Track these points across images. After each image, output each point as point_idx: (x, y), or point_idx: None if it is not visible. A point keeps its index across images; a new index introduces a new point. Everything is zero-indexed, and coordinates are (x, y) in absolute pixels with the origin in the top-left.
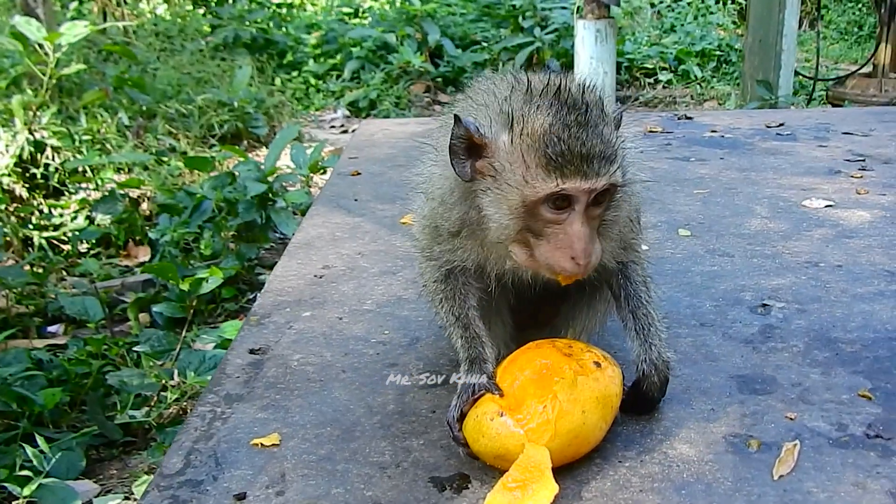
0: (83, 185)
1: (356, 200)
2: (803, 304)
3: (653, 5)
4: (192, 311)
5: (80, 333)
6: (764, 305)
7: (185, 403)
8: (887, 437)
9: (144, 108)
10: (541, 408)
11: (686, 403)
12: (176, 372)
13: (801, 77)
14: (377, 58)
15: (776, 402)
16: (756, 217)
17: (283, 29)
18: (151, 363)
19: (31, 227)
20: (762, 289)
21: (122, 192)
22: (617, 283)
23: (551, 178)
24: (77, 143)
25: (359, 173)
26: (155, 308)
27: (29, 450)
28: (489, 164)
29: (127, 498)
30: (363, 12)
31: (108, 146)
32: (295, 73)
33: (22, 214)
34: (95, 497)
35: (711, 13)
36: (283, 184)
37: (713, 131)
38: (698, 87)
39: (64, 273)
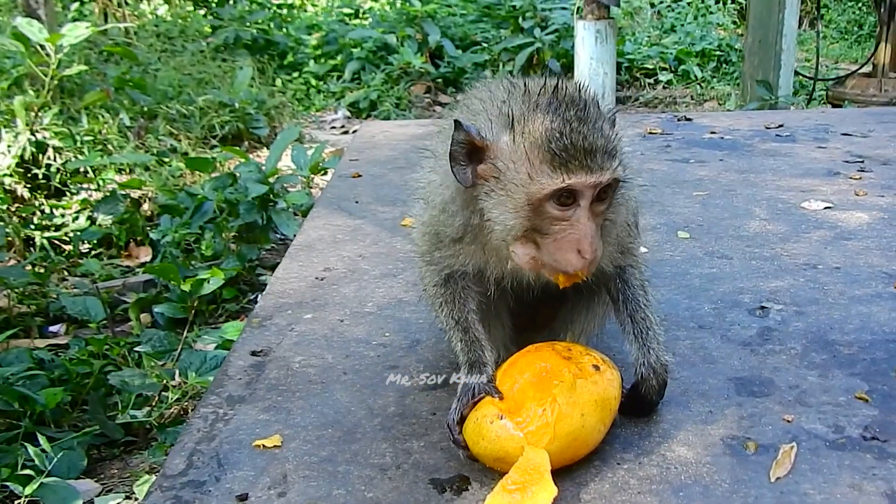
0: (84, 185)
1: (357, 203)
2: (801, 307)
3: (653, 5)
4: (193, 311)
5: (82, 333)
6: (762, 308)
7: (186, 404)
8: (883, 438)
9: (145, 108)
10: (540, 411)
11: (684, 406)
12: (177, 372)
13: (801, 77)
14: (378, 59)
15: (774, 404)
16: (755, 219)
17: (284, 30)
18: (152, 363)
19: (32, 227)
20: (761, 291)
21: (123, 192)
22: (615, 286)
23: (557, 173)
24: (78, 144)
25: (359, 175)
26: (156, 308)
27: (31, 449)
28: (492, 166)
29: (128, 497)
30: (363, 13)
31: (109, 147)
32: (296, 74)
33: (24, 215)
34: (97, 496)
35: (711, 13)
36: (284, 185)
37: (712, 133)
38: (698, 87)
39: (65, 273)
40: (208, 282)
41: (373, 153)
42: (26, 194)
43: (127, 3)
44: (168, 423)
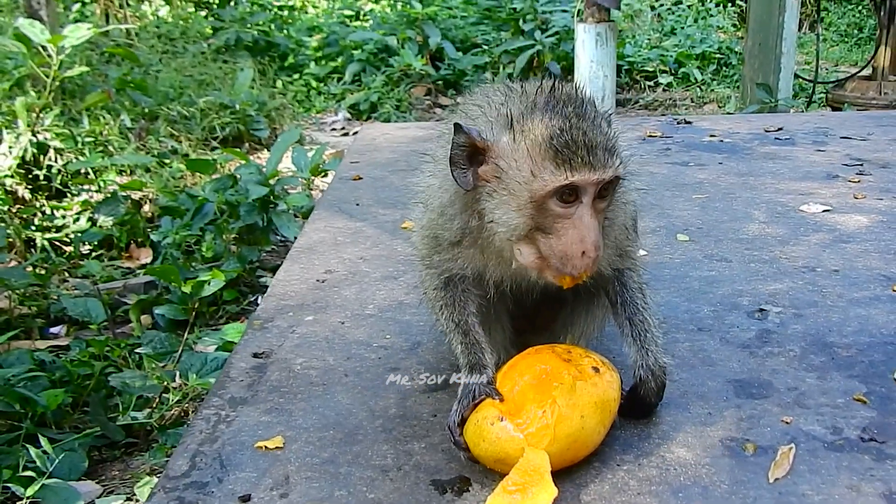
0: (85, 186)
1: (358, 205)
2: (800, 309)
3: (653, 8)
4: (193, 313)
5: (83, 335)
6: (761, 310)
7: (186, 405)
8: (881, 440)
9: (147, 110)
10: (540, 412)
11: (683, 408)
12: (178, 374)
13: (800, 80)
14: (378, 60)
15: (772, 406)
16: (754, 222)
17: (285, 31)
18: (153, 365)
19: (33, 228)
20: (760, 294)
21: (124, 194)
22: (613, 289)
23: (560, 170)
24: (79, 145)
25: (360, 178)
26: (157, 310)
27: (32, 450)
28: (494, 166)
29: (129, 499)
30: (364, 15)
31: (110, 148)
32: (296, 76)
33: (24, 216)
34: (98, 498)
35: (711, 16)
36: (285, 187)
37: (712, 136)
38: (698, 89)
39: (66, 274)
40: (209, 283)
41: (373, 156)
42: (27, 195)
43: (128, 5)
44: (169, 424)
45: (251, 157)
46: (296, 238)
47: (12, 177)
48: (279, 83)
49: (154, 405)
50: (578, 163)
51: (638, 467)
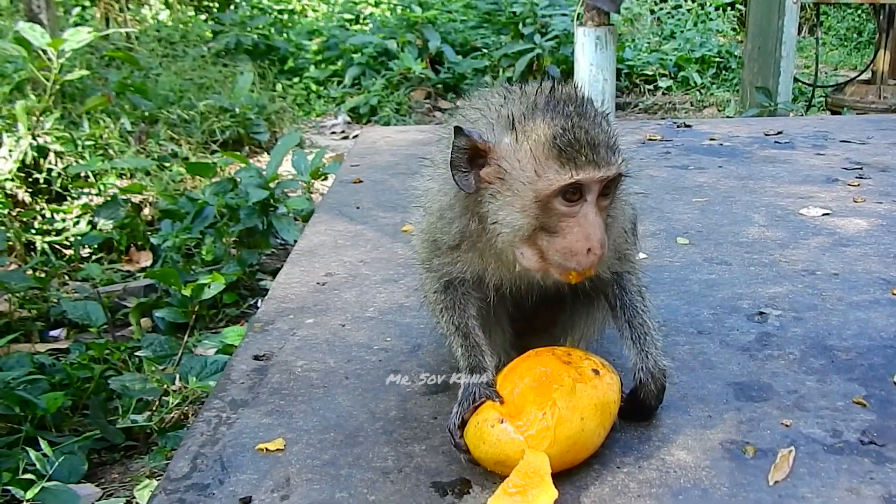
0: (85, 190)
1: (358, 208)
2: (800, 312)
3: (653, 12)
4: (193, 316)
5: (82, 338)
6: (761, 313)
7: (186, 408)
8: (881, 443)
9: (147, 113)
10: (540, 415)
11: (683, 410)
12: (177, 377)
13: (800, 83)
14: (378, 64)
15: (772, 408)
16: (754, 225)
17: (285, 35)
18: (153, 368)
19: (33, 231)
20: (759, 297)
21: (124, 197)
22: (612, 292)
23: (565, 169)
24: (79, 149)
25: (360, 181)
26: (157, 313)
27: (32, 453)
28: (497, 167)
29: (129, 502)
30: (364, 19)
31: (110, 151)
32: (296, 79)
33: (24, 219)
34: (97, 501)
35: (711, 20)
36: (285, 190)
37: (712, 139)
38: (698, 93)
39: (66, 278)
40: (209, 286)
41: (373, 159)
42: (27, 199)
43: (128, 9)
44: (168, 427)
45: (251, 161)
46: (296, 241)
47: (12, 180)
48: (279, 87)
49: (154, 408)
50: (583, 161)
51: (638, 470)
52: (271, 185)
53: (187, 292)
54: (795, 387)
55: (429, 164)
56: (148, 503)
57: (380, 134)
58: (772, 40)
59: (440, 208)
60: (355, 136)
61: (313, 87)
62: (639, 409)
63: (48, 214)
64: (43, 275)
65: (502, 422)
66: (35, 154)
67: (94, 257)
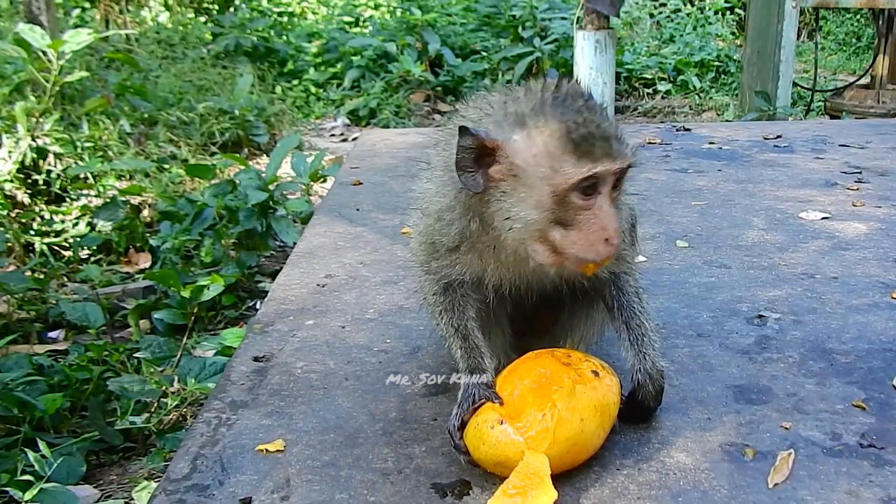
0: (85, 191)
1: (358, 210)
2: (799, 316)
3: (652, 16)
4: (192, 317)
5: (81, 339)
6: (760, 316)
7: (185, 410)
8: (880, 446)
9: (146, 115)
10: (540, 416)
11: (683, 412)
12: (176, 378)
13: (799, 88)
14: (377, 67)
15: (771, 411)
16: (753, 229)
17: (284, 37)
18: (152, 369)
19: (32, 232)
20: (759, 300)
21: (123, 198)
22: (610, 294)
23: (582, 162)
24: (79, 150)
25: (360, 183)
26: (156, 315)
27: (30, 454)
28: (508, 165)
29: (127, 503)
30: (364, 21)
31: (109, 153)
32: (295, 82)
33: (24, 220)
34: (96, 502)
35: (710, 24)
36: (284, 192)
37: (711, 143)
38: (697, 97)
39: (65, 279)
40: (208, 288)
41: (373, 161)
42: (26, 200)
43: (128, 10)
44: (167, 429)
45: (250, 163)
46: (295, 243)
47: (12, 181)
48: (278, 89)
49: (152, 410)
50: (599, 154)
51: (638, 472)
52: (270, 187)
53: (186, 294)
54: (795, 390)
55: (426, 166)
56: (149, 503)
57: (379, 136)
58: (771, 44)
59: (438, 210)
60: (354, 139)
61: (313, 89)
62: (637, 411)
63: (47, 216)
64: (42, 276)
65: (502, 423)
66: (34, 155)
67: (92, 259)
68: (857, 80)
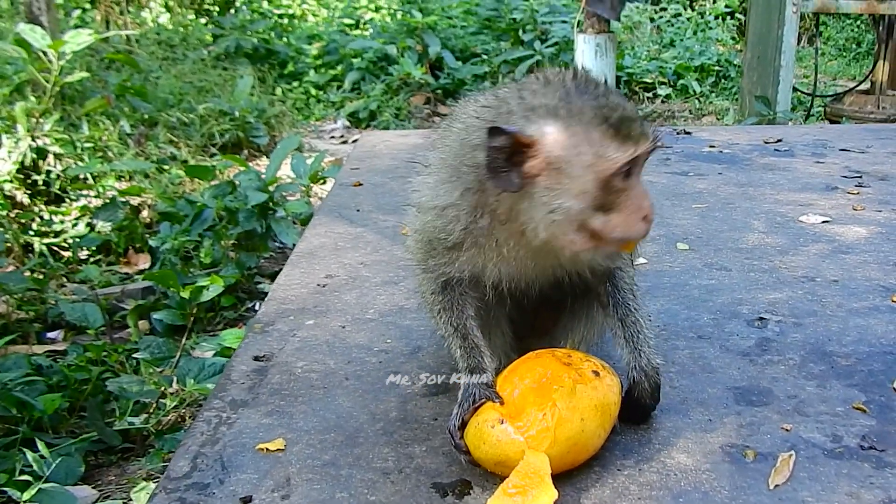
0: (84, 192)
1: (358, 211)
2: (799, 318)
3: (652, 20)
4: (191, 318)
5: (80, 340)
6: (761, 319)
7: (183, 411)
8: (881, 448)
9: (146, 116)
10: (540, 415)
11: (683, 414)
12: (175, 379)
13: (799, 93)
14: (378, 69)
15: (772, 413)
16: (753, 232)
17: (285, 39)
18: (151, 370)
19: (31, 233)
20: (759, 302)
21: (122, 199)
22: (605, 290)
23: (626, 145)
24: (79, 151)
25: (361, 184)
26: (155, 315)
27: (29, 454)
28: (544, 159)
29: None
30: (364, 24)
31: (109, 154)
32: (296, 84)
33: (23, 220)
34: (94, 503)
35: (710, 29)
36: (284, 193)
37: (711, 146)
38: (697, 101)
39: (64, 279)
40: (207, 289)
41: (373, 162)
42: (26, 200)
43: (129, 11)
44: (166, 430)
45: (250, 164)
46: (294, 245)
47: (11, 181)
48: (279, 90)
49: (151, 410)
50: (638, 135)
51: (638, 472)
52: (270, 188)
53: (186, 294)
54: (795, 392)
55: (423, 165)
56: (149, 502)
57: (379, 138)
58: (771, 49)
59: (439, 207)
60: (354, 141)
61: (313, 91)
62: (635, 410)
63: (47, 216)
64: (41, 276)
65: (502, 422)
66: (34, 156)
67: (92, 259)
68: (858, 85)
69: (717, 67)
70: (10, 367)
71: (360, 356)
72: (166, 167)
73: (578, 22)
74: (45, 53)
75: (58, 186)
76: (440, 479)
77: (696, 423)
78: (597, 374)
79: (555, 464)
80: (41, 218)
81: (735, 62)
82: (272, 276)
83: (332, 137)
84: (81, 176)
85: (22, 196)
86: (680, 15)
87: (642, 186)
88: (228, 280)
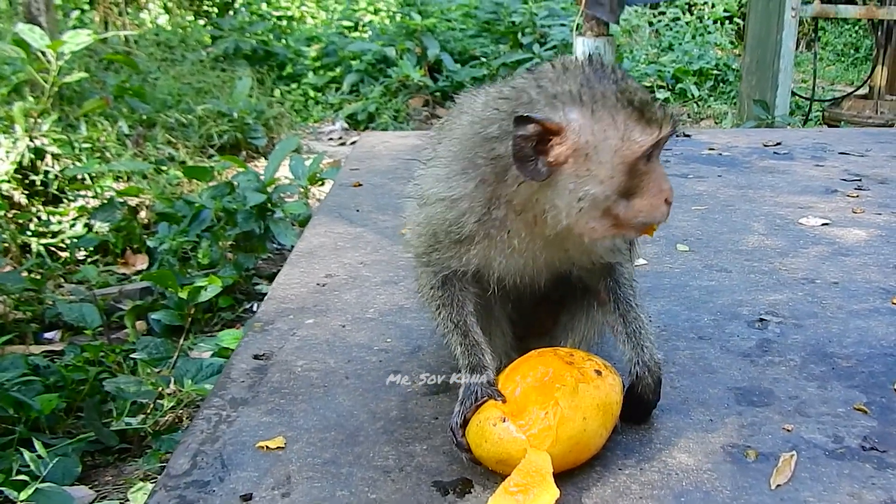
0: (82, 192)
1: (358, 211)
2: (800, 320)
3: (651, 24)
4: (189, 319)
5: (77, 340)
6: (761, 320)
7: (181, 411)
8: (882, 449)
9: (144, 117)
10: (543, 414)
11: (684, 414)
12: (172, 380)
13: (797, 97)
14: (376, 71)
15: (773, 413)
16: (753, 234)
17: (284, 41)
18: (148, 370)
19: (29, 233)
20: (759, 304)
21: (120, 200)
22: (606, 286)
23: (651, 128)
24: (77, 151)
25: (360, 185)
26: (153, 315)
27: (26, 454)
28: (570, 146)
29: None
30: (363, 26)
31: (107, 154)
32: (294, 85)
33: (20, 221)
34: (91, 503)
35: (709, 33)
36: (282, 195)
37: (711, 149)
38: (695, 105)
39: (62, 280)
40: (206, 289)
41: (373, 163)
42: (24, 200)
43: (127, 13)
44: (163, 430)
45: (248, 166)
46: (293, 246)
47: (9, 182)
48: (277, 92)
49: (148, 411)
50: (661, 118)
51: (640, 472)
52: (269, 189)
53: (184, 295)
54: (796, 392)
55: (428, 158)
56: (149, 499)
57: (379, 139)
58: (770, 54)
59: (450, 199)
60: (352, 143)
61: (311, 93)
62: (637, 408)
63: (44, 216)
64: (38, 277)
65: (504, 420)
66: (32, 156)
67: (89, 260)
68: (856, 90)
69: (715, 71)
70: (8, 367)
71: (361, 355)
72: (164, 168)
73: (577, 25)
74: (43, 54)
75: (56, 187)
76: (441, 477)
77: (698, 423)
78: (599, 373)
79: (556, 463)
80: (39, 218)
81: (733, 66)
82: (270, 278)
83: (331, 139)
84: (79, 176)
85: (20, 196)
86: (679, 19)
87: (662, 169)
88: (226, 281)
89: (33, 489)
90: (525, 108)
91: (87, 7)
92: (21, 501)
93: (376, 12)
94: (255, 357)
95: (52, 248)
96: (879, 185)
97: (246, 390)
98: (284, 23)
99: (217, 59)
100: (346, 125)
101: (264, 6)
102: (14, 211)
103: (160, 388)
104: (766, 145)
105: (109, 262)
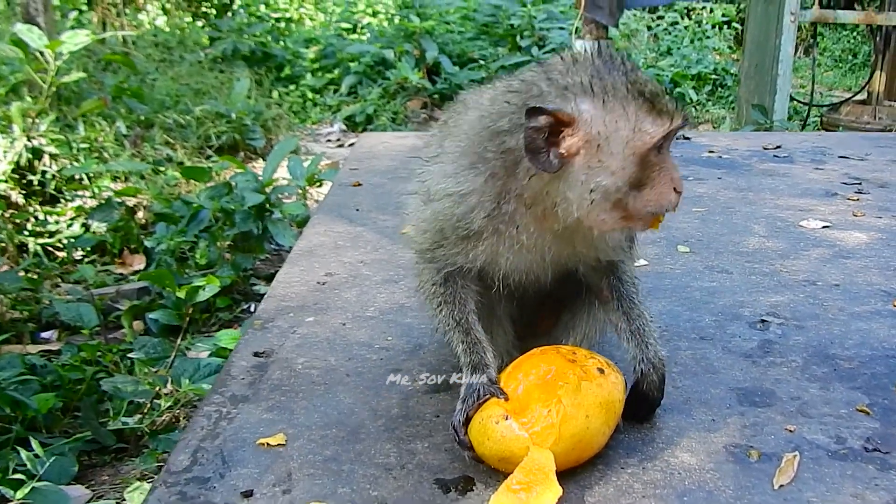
0: (80, 192)
1: (357, 210)
2: (801, 321)
3: (650, 28)
4: (187, 319)
5: (75, 340)
6: (763, 321)
7: (178, 411)
8: (885, 450)
9: (142, 117)
10: (545, 412)
11: (687, 414)
12: (170, 379)
13: (795, 102)
14: (375, 73)
15: (776, 414)
16: (754, 236)
17: (282, 43)
18: (145, 370)
19: (26, 233)
20: (761, 305)
21: (118, 200)
22: (609, 283)
23: (662, 119)
24: (74, 151)
25: (360, 184)
26: (150, 315)
27: (23, 453)
28: (582, 137)
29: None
30: (362, 28)
31: (105, 155)
32: (293, 87)
33: (18, 221)
34: (88, 502)
35: (708, 37)
36: (280, 195)
37: (711, 152)
38: (693, 110)
39: (59, 279)
40: (203, 289)
41: (372, 163)
42: (21, 200)
43: (125, 13)
44: (160, 430)
45: (246, 167)
46: (291, 247)
47: (6, 181)
48: (275, 94)
49: (145, 410)
50: (672, 108)
51: (642, 471)
52: (267, 189)
53: (181, 294)
54: (798, 393)
55: (434, 154)
56: (149, 495)
57: (378, 139)
58: (768, 58)
59: (458, 194)
60: (350, 145)
61: (309, 94)
62: (641, 405)
63: (42, 216)
64: (35, 276)
65: (507, 418)
66: (30, 156)
67: (87, 260)
68: (854, 95)
69: (713, 76)
70: (5, 366)
71: (361, 353)
72: (162, 168)
73: (576, 28)
74: (41, 54)
75: (53, 187)
76: (443, 475)
77: (700, 422)
78: (602, 371)
79: (559, 461)
80: (36, 218)
81: (732, 71)
82: (268, 278)
83: (329, 141)
84: (77, 176)
85: (17, 196)
86: (677, 23)
87: (672, 160)
88: (224, 281)
89: (30, 488)
90: (536, 100)
91: (85, 7)
92: (18, 500)
93: (375, 14)
94: (256, 354)
95: (50, 248)
96: (879, 188)
97: (246, 387)
98: (283, 24)
99: (215, 61)
100: (344, 127)
101: (263, 8)
102: (11, 211)
103: (157, 388)
104: (765, 148)
105: (107, 261)
